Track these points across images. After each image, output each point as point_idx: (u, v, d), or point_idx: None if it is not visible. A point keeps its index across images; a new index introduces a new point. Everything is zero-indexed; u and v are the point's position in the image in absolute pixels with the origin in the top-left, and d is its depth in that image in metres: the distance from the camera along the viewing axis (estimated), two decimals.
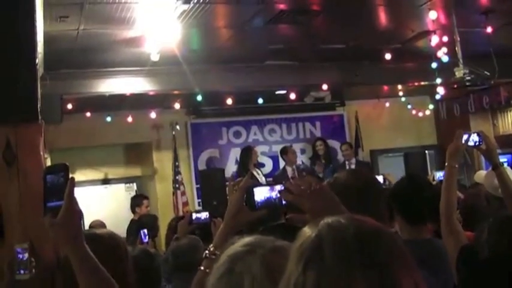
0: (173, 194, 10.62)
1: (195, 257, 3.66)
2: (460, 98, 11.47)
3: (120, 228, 7.68)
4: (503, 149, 10.53)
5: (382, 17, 7.56)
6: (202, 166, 11.14)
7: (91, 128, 10.26)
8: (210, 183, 9.91)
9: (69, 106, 9.20)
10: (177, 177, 10.68)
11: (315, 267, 1.13)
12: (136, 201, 8.91)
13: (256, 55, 8.67)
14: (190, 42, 7.56)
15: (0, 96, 3.46)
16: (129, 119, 10.43)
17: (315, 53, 8.80)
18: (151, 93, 9.15)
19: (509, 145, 10.98)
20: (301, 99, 11.28)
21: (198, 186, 10.81)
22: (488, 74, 8.18)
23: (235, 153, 10.96)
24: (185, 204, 10.52)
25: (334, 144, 11.64)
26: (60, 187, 1.82)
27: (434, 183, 5.81)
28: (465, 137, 3.19)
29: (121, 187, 11.28)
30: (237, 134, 11.54)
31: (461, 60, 7.63)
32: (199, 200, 10.64)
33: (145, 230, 5.67)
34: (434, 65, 8.29)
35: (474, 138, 3.24)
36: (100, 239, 2.28)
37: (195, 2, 6.06)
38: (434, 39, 7.67)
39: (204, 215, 4.66)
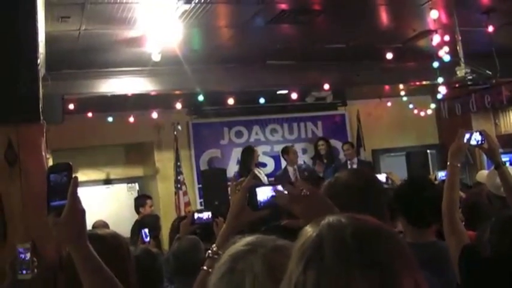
0: (175, 194, 10.62)
1: (196, 259, 3.66)
2: (462, 98, 11.46)
3: (123, 228, 7.66)
4: (505, 148, 10.51)
5: (384, 17, 7.56)
6: (204, 166, 11.15)
7: (93, 128, 10.27)
8: (212, 183, 9.91)
9: (71, 106, 9.20)
10: (178, 177, 10.68)
11: (315, 267, 1.13)
12: (140, 202, 8.92)
13: (257, 55, 8.67)
14: (192, 42, 7.56)
15: (1, 96, 3.46)
16: (131, 119, 10.44)
17: (316, 53, 8.80)
18: (152, 93, 9.15)
19: (511, 144, 10.97)
20: (303, 99, 11.28)
21: (200, 186, 10.82)
22: (490, 73, 8.18)
23: (236, 153, 10.96)
24: (187, 204, 10.52)
25: (336, 143, 11.64)
26: (63, 186, 1.82)
27: (436, 182, 5.82)
28: (467, 136, 3.18)
29: (123, 187, 11.28)
30: (239, 134, 11.54)
31: (462, 60, 7.62)
32: (201, 200, 10.64)
33: (147, 230, 5.68)
34: (435, 64, 8.28)
35: (476, 137, 3.23)
36: (102, 239, 2.28)
37: (196, 2, 6.05)
38: (436, 39, 7.66)
39: (206, 215, 4.66)
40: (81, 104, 9.36)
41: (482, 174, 5.92)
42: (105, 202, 10.51)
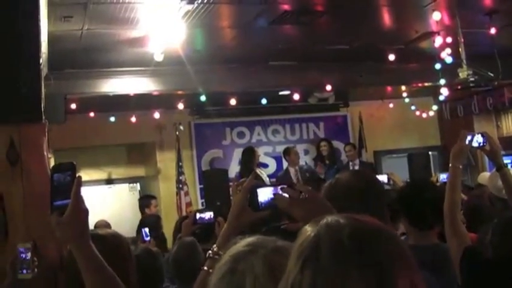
0: (176, 194, 10.63)
1: (195, 263, 3.65)
2: (464, 99, 11.45)
3: (124, 228, 7.66)
4: (507, 150, 10.49)
5: (386, 18, 7.55)
6: (205, 166, 11.15)
7: (95, 128, 10.28)
8: (214, 183, 9.91)
9: (73, 106, 9.21)
10: (180, 178, 10.69)
11: (311, 267, 1.14)
12: (145, 202, 8.91)
13: (259, 55, 8.67)
14: (194, 42, 7.56)
15: (3, 96, 3.46)
16: (133, 119, 10.45)
17: (319, 54, 8.80)
18: (155, 93, 9.15)
19: None
20: (305, 100, 11.29)
21: (202, 186, 10.82)
22: (492, 75, 8.18)
23: (238, 154, 10.95)
24: (188, 204, 10.53)
25: (338, 145, 11.65)
26: (67, 186, 1.83)
27: (438, 184, 5.81)
28: (469, 137, 3.18)
29: (124, 187, 11.29)
30: (241, 135, 11.55)
31: (465, 61, 7.61)
32: (203, 200, 10.65)
33: (147, 229, 5.69)
34: (438, 66, 8.28)
35: (478, 139, 3.23)
36: (103, 239, 2.28)
37: (199, 2, 6.06)
38: (438, 40, 7.66)
39: (208, 215, 4.65)
40: (83, 103, 9.36)
41: (484, 176, 5.93)
42: (107, 202, 10.52)
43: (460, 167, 3.08)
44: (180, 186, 10.64)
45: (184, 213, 9.80)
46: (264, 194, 2.10)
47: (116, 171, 11.34)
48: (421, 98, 11.96)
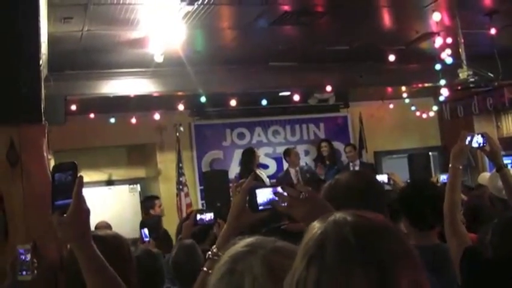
0: (177, 195, 10.62)
1: (195, 266, 3.65)
2: (464, 100, 11.46)
3: (124, 229, 7.66)
4: (507, 151, 10.49)
5: (386, 19, 7.55)
6: (206, 167, 11.15)
7: (95, 129, 10.28)
8: (214, 184, 9.91)
9: (73, 107, 9.21)
10: (180, 179, 10.69)
11: (316, 264, 1.14)
12: (149, 204, 8.91)
13: (260, 56, 8.67)
14: (194, 43, 7.56)
15: (3, 96, 3.47)
16: (133, 121, 10.45)
17: (319, 54, 8.80)
18: (155, 94, 9.15)
19: None
20: (305, 101, 11.28)
21: (202, 187, 10.82)
22: (492, 75, 8.17)
23: (238, 155, 10.95)
24: (189, 205, 10.53)
25: (338, 145, 11.64)
26: (68, 185, 1.82)
27: (438, 185, 5.81)
28: (469, 138, 3.19)
29: (125, 188, 11.27)
30: (241, 136, 11.55)
31: (465, 62, 7.61)
32: (203, 202, 10.64)
33: (146, 230, 5.69)
34: (438, 66, 8.28)
35: (478, 139, 3.23)
36: (103, 240, 2.28)
37: (199, 3, 6.06)
38: (438, 41, 7.66)
39: (209, 216, 4.65)
40: (83, 104, 9.36)
41: (484, 177, 5.93)
42: (107, 203, 10.50)
43: (460, 167, 3.08)
44: (181, 187, 10.64)
45: (184, 215, 9.79)
46: (263, 195, 2.10)
47: (116, 173, 11.33)
48: (421, 99, 11.97)
